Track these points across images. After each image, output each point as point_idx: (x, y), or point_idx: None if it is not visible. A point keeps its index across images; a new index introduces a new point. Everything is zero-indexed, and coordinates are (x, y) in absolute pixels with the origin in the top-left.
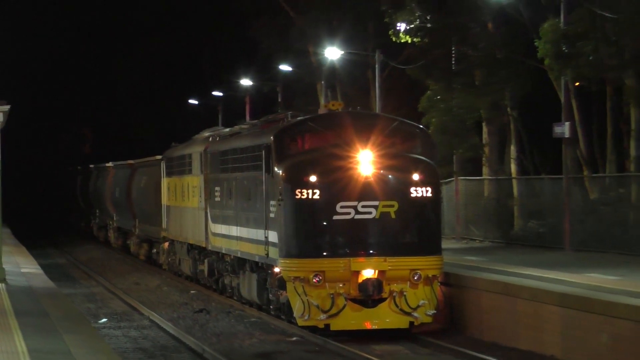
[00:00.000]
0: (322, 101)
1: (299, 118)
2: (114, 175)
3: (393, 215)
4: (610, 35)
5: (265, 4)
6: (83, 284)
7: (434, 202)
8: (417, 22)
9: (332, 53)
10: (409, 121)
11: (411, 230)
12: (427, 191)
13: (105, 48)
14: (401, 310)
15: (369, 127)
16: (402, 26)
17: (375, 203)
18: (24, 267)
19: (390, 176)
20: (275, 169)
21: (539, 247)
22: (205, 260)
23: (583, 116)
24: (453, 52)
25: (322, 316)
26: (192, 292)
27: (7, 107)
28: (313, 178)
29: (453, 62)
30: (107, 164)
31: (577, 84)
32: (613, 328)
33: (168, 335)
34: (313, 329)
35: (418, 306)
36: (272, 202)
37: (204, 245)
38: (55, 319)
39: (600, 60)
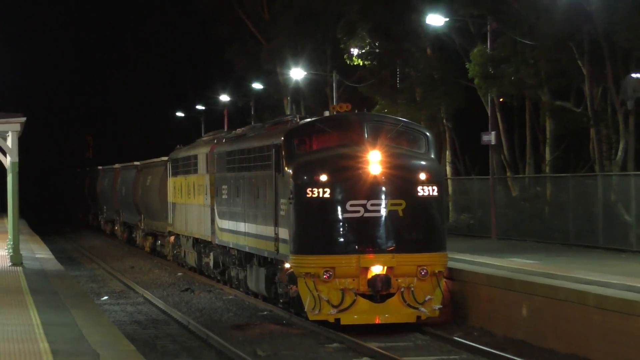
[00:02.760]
0: (288, 113)
1: (308, 119)
2: (121, 176)
3: (401, 214)
4: (529, 59)
5: (239, 32)
6: (87, 267)
7: (439, 200)
8: (368, 48)
9: (297, 73)
10: (413, 123)
11: (418, 227)
12: (433, 190)
13: (104, 68)
14: (409, 305)
15: (377, 128)
16: (354, 51)
17: (384, 201)
18: (37, 253)
19: (398, 175)
20: (286, 169)
21: (469, 236)
22: (211, 254)
23: (506, 126)
24: (397, 73)
25: (333, 311)
26: (179, 274)
27: (23, 119)
28: (323, 177)
29: (398, 81)
30: (114, 166)
31: (501, 99)
32: (531, 303)
33: (159, 310)
34: (324, 323)
35: (425, 301)
36: (283, 201)
37: (209, 240)
38: (64, 296)
39: (520, 80)
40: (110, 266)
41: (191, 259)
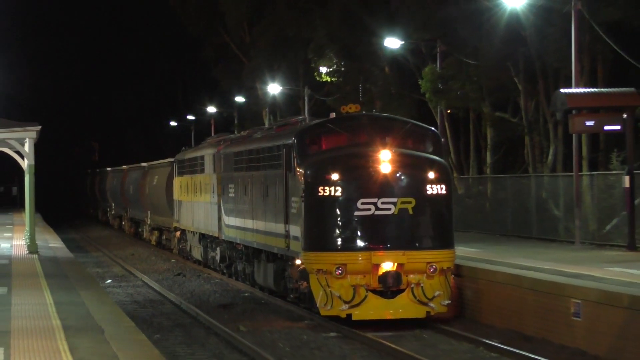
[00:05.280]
0: (267, 123)
1: (318, 120)
2: (129, 176)
3: (410, 212)
4: (472, 76)
5: (224, 53)
6: (93, 254)
7: (448, 199)
8: (334, 67)
9: (273, 88)
10: (420, 123)
11: (427, 225)
12: (441, 188)
13: (108, 84)
14: (418, 300)
15: (386, 128)
16: (323, 69)
17: (394, 200)
18: (51, 242)
19: (407, 174)
20: (298, 168)
21: None
22: (217, 248)
23: (453, 134)
24: (360, 88)
25: (344, 306)
26: (172, 261)
27: (38, 127)
28: (335, 176)
29: (360, 96)
30: (122, 167)
31: (449, 111)
32: (475, 285)
33: (155, 292)
34: (335, 319)
35: (434, 297)
36: (294, 199)
37: (216, 235)
38: (73, 279)
39: (465, 94)
40: (113, 254)
41: (197, 252)
